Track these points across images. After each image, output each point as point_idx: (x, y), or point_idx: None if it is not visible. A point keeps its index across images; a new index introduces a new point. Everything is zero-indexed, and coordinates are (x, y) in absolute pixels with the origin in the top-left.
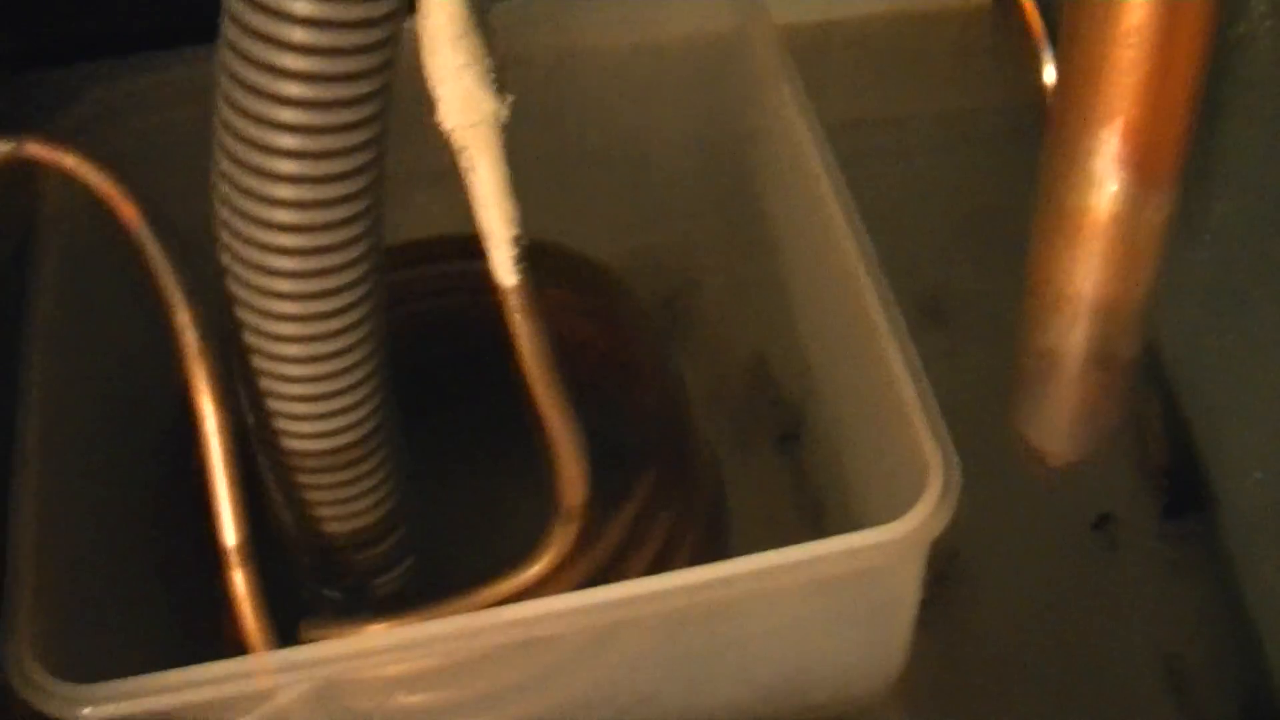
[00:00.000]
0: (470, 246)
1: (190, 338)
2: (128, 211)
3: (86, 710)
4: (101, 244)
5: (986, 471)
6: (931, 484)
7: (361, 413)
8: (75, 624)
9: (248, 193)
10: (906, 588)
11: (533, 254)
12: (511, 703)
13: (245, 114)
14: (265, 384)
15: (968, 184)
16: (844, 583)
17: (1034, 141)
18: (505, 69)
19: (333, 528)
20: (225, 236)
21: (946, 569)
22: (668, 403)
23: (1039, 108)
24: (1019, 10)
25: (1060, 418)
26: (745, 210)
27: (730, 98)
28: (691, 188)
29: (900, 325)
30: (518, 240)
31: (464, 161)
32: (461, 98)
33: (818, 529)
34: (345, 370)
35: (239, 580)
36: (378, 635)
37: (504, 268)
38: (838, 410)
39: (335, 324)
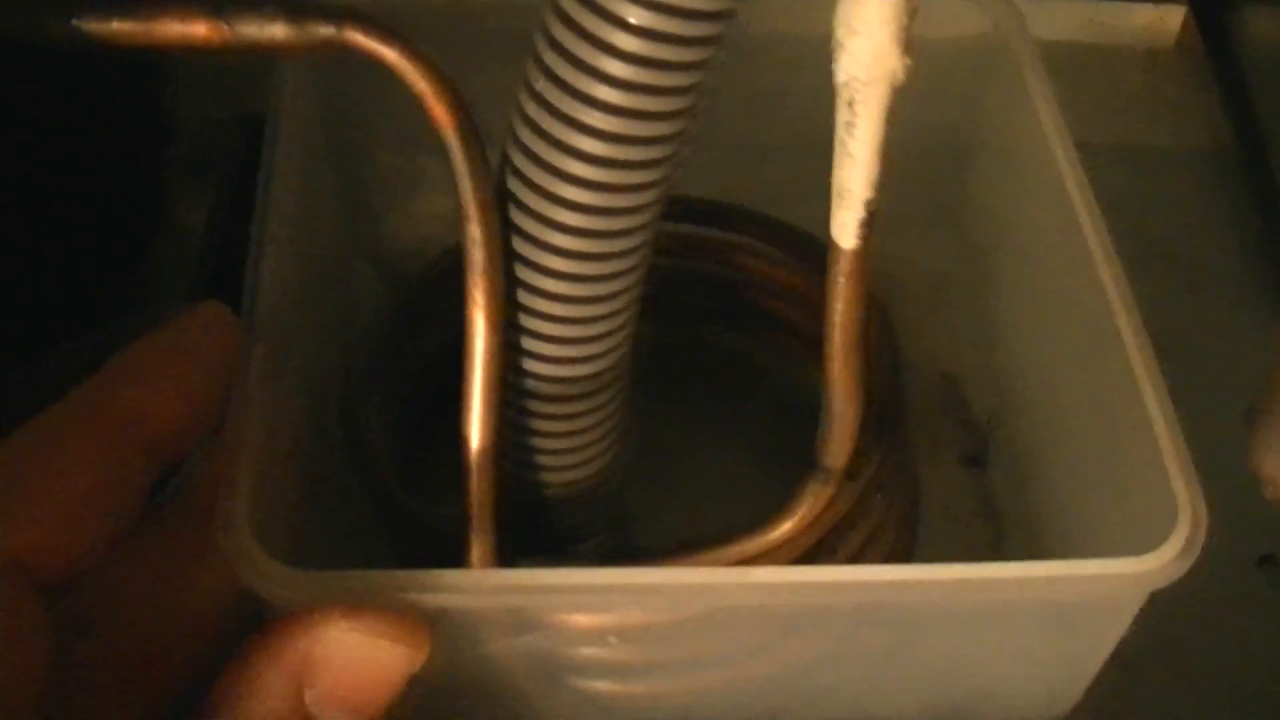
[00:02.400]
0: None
1: (479, 255)
2: (441, 114)
3: (302, 597)
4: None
5: None
6: (1180, 525)
7: (610, 343)
8: (292, 515)
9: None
10: (1116, 628)
11: (781, 230)
12: (691, 673)
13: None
14: (522, 297)
15: (1141, 220)
16: (1060, 610)
17: (1210, 186)
18: (913, 29)
19: (548, 475)
20: (524, 134)
21: None
22: (891, 383)
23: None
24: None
25: None
26: (955, 223)
27: (963, 105)
28: (900, 193)
29: (1152, 356)
30: (870, 205)
31: (845, 116)
32: (871, 52)
33: (996, 553)
34: (609, 296)
35: (476, 507)
36: (620, 574)
37: (847, 229)
38: (1042, 437)
39: (613, 245)
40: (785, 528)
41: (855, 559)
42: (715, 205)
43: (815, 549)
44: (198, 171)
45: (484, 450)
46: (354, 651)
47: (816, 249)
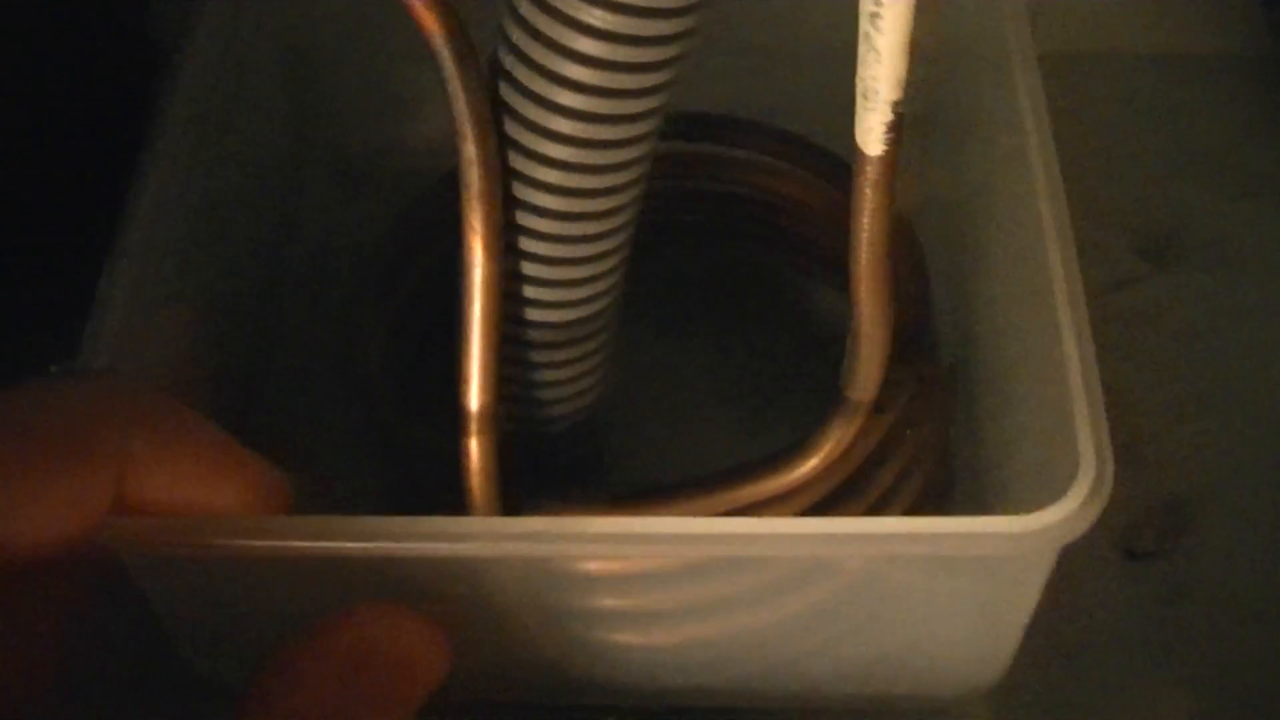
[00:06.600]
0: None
1: (474, 175)
2: (429, 22)
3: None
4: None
5: (1215, 416)
6: (1079, 485)
7: (602, 285)
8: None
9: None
10: (1028, 587)
11: (796, 144)
12: (687, 620)
13: None
14: (521, 218)
15: (1186, 127)
16: (955, 567)
17: (1256, 91)
18: None
19: (547, 411)
20: (508, 58)
21: (1172, 520)
22: (922, 306)
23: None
24: None
25: None
26: (941, 150)
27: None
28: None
29: (1081, 301)
30: (897, 107)
31: (869, 5)
32: None
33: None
34: (600, 236)
35: (475, 448)
36: (640, 521)
37: (873, 134)
38: (993, 385)
39: (601, 181)
40: (809, 465)
41: (886, 498)
42: (725, 119)
43: (842, 488)
44: None
45: (484, 389)
46: (397, 647)
47: (835, 164)
